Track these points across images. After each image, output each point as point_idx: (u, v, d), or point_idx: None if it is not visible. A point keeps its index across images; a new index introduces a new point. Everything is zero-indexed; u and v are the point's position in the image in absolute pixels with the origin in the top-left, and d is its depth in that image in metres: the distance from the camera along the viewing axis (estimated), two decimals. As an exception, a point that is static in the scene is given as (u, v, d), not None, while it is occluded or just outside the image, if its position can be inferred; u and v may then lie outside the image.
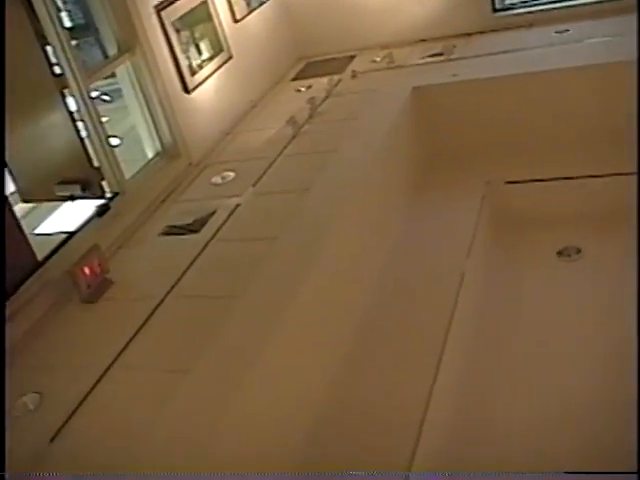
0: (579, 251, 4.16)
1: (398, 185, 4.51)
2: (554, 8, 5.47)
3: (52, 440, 2.54)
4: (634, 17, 4.85)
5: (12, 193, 3.87)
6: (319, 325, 3.20)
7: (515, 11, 5.64)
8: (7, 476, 2.28)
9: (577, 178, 4.39)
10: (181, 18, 4.64)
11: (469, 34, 5.65)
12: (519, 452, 3.00)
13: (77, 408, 2.67)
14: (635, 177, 3.80)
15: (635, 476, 2.49)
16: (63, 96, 3.80)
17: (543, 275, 4.10)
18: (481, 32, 5.62)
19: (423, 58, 5.46)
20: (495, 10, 5.62)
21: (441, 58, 5.36)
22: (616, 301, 3.65)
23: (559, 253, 4.19)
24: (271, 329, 2.85)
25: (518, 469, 2.85)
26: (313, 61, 6.05)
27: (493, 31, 5.59)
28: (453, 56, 5.32)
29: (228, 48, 5.12)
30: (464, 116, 4.84)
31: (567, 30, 5.15)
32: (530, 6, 5.61)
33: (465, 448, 3.01)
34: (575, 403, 3.16)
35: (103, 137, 3.93)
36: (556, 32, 5.18)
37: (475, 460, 2.95)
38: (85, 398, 2.72)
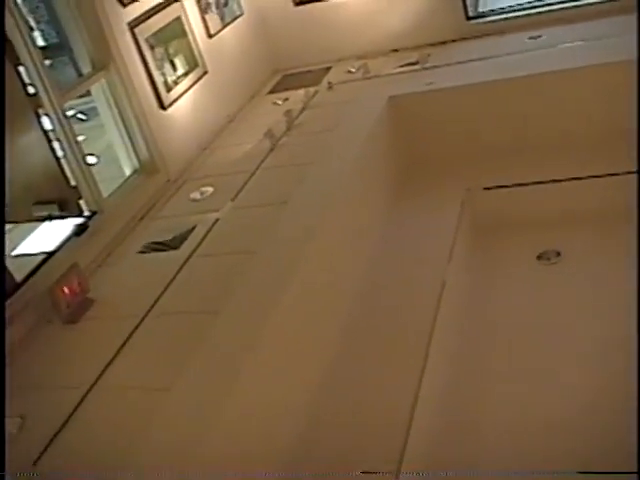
0: (558, 254, 4.18)
1: (377, 194, 4.52)
2: (526, 15, 5.53)
3: (35, 463, 2.52)
4: (606, 21, 4.94)
5: (-11, 214, 3.83)
6: (302, 334, 3.20)
7: (488, 18, 5.69)
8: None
9: (555, 182, 4.43)
10: (155, 34, 4.64)
11: (443, 42, 5.69)
12: (505, 452, 3.01)
13: (60, 429, 2.65)
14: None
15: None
16: (38, 116, 3.77)
17: (524, 279, 4.11)
18: (455, 40, 5.67)
19: (398, 67, 5.48)
20: (468, 18, 5.67)
21: (416, 67, 5.39)
22: (597, 302, 3.68)
23: (539, 257, 4.21)
24: (254, 341, 2.84)
25: (505, 469, 2.87)
26: (289, 74, 6.06)
27: (467, 39, 5.64)
28: (428, 65, 5.36)
29: (203, 63, 5.12)
30: (441, 124, 4.87)
31: (540, 36, 5.21)
32: (503, 13, 5.66)
33: (451, 450, 3.03)
34: (559, 405, 3.16)
35: (79, 156, 3.91)
36: (529, 38, 5.23)
37: (462, 461, 2.97)
38: (68, 419, 2.69)
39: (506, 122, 4.74)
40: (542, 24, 5.34)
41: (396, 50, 5.81)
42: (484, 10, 5.82)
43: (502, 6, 5.75)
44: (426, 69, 5.31)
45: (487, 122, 4.78)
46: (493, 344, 3.64)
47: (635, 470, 2.47)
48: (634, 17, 4.33)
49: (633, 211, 3.75)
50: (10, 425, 2.71)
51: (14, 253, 4.13)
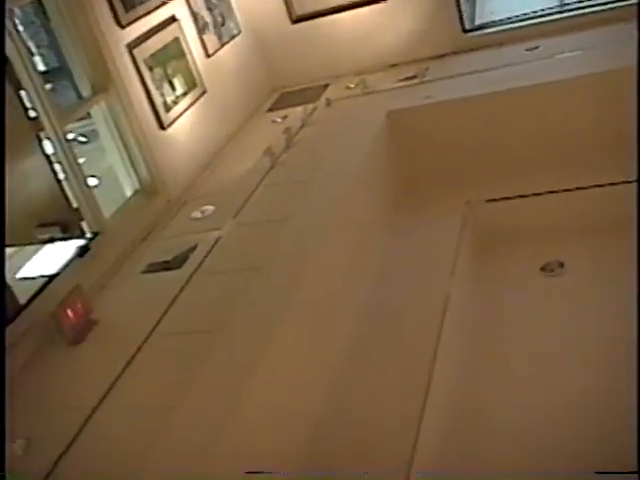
0: (562, 265, 4.17)
1: (378, 209, 4.52)
2: (523, 26, 5.53)
3: (41, 486, 2.51)
4: (604, 29, 4.95)
5: (-9, 238, 3.85)
6: (306, 350, 3.20)
7: (485, 31, 5.70)
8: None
9: (557, 192, 4.43)
10: (153, 55, 4.66)
11: (441, 56, 5.69)
12: (509, 456, 3.05)
13: (66, 450, 2.65)
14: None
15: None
16: (39, 139, 3.80)
17: (527, 291, 4.10)
18: (453, 53, 5.67)
19: (397, 82, 5.49)
20: (465, 31, 5.68)
21: (414, 81, 5.40)
22: (601, 313, 3.67)
23: (542, 268, 4.20)
24: (258, 358, 2.86)
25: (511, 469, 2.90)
26: (287, 91, 6.07)
27: (465, 52, 5.64)
28: (426, 78, 5.36)
29: (202, 83, 5.14)
30: (440, 137, 4.88)
31: (537, 47, 5.21)
32: (500, 25, 5.68)
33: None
34: (562, 411, 3.17)
35: (81, 178, 3.93)
36: (527, 49, 5.23)
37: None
38: (74, 440, 2.69)
39: (506, 134, 4.75)
40: (539, 35, 5.34)
41: (394, 65, 5.81)
42: (480, 22, 5.83)
43: (498, 18, 5.76)
44: (424, 83, 5.32)
45: (487, 134, 4.79)
46: (498, 356, 3.63)
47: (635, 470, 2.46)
48: (632, 25, 4.34)
49: (633, 220, 3.74)
50: (16, 448, 2.72)
51: (18, 276, 4.15)
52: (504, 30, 5.62)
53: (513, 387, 3.41)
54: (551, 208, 4.43)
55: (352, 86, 5.67)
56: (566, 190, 4.40)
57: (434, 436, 3.03)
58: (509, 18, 5.67)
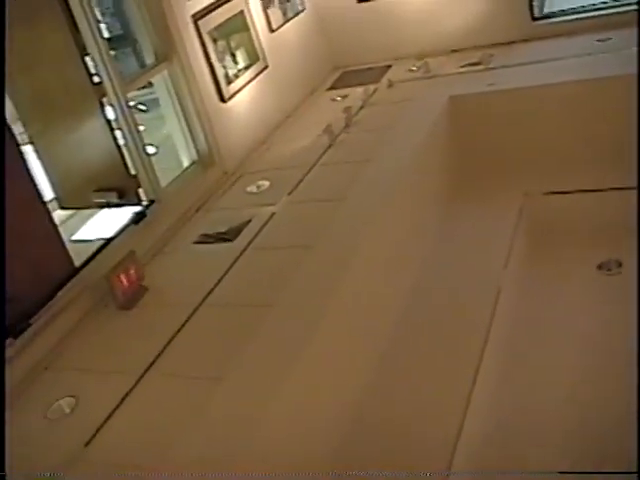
0: (620, 264, 4.07)
1: (433, 195, 4.47)
2: (595, 16, 5.39)
3: (87, 444, 2.54)
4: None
5: (51, 200, 3.91)
6: (354, 332, 3.19)
7: (555, 19, 5.56)
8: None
9: (619, 189, 4.31)
10: (218, 28, 4.67)
11: (508, 43, 5.58)
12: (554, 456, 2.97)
13: (113, 412, 2.68)
14: None
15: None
16: (102, 105, 3.84)
17: (583, 289, 4.01)
18: (520, 41, 5.56)
19: (460, 67, 5.41)
20: (534, 19, 5.55)
21: (478, 67, 5.31)
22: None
23: (599, 267, 4.10)
24: (306, 336, 2.84)
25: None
26: (349, 70, 6.04)
27: (532, 40, 5.52)
28: (491, 65, 5.27)
29: (264, 57, 5.13)
30: (501, 125, 4.79)
31: (609, 38, 5.06)
32: (570, 14, 5.54)
33: (500, 454, 3.00)
34: (610, 415, 3.09)
35: (140, 145, 3.96)
36: (598, 40, 5.09)
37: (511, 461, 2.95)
38: (121, 402, 2.72)
39: (569, 126, 4.63)
40: (611, 26, 5.18)
41: (458, 50, 5.73)
42: (550, 11, 5.70)
43: (570, 7, 5.62)
44: (488, 70, 5.23)
45: (549, 125, 4.68)
46: (548, 354, 3.57)
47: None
48: None
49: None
50: (64, 404, 2.76)
51: (73, 238, 4.22)
52: (574, 19, 5.48)
53: (561, 387, 3.34)
54: (613, 205, 4.30)
55: (414, 69, 5.61)
56: (629, 188, 4.28)
57: (476, 435, 2.99)
58: (582, 6, 5.51)
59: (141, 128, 4.12)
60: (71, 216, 4.68)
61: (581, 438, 3.04)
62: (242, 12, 4.95)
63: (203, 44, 4.53)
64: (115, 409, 2.69)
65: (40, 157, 3.94)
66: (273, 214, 3.92)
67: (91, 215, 4.64)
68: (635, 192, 4.09)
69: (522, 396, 3.33)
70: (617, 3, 5.34)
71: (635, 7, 5.11)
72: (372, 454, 2.83)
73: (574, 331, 3.69)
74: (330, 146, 4.61)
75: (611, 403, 3.14)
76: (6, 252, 2.94)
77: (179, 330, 3.10)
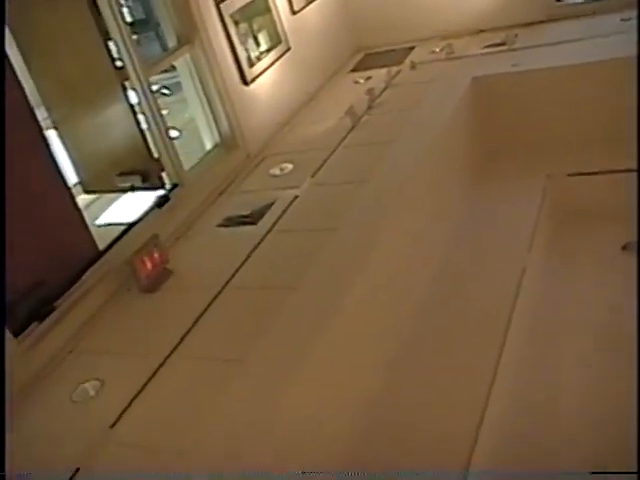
0: (645, 246, 4.03)
1: (456, 177, 4.45)
2: (619, -5, 5.31)
3: (112, 426, 2.57)
4: None
5: (75, 184, 3.94)
6: (375, 317, 3.18)
7: (579, -1, 5.49)
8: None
9: (643, 170, 4.26)
10: (240, 10, 4.65)
11: (531, 23, 5.52)
12: (577, 452, 2.93)
13: (137, 395, 2.70)
14: None
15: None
16: (124, 89, 3.85)
17: (608, 270, 3.97)
18: (544, 21, 5.50)
19: (484, 48, 5.37)
20: (559, -1, 5.49)
21: (502, 48, 5.26)
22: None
23: (624, 247, 4.06)
24: (329, 319, 2.84)
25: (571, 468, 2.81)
26: (372, 52, 6.01)
27: (557, 20, 5.46)
28: (515, 46, 5.22)
29: (286, 40, 5.11)
30: (525, 107, 4.76)
31: (631, 18, 4.98)
32: (595, -7, 5.46)
33: (523, 447, 2.96)
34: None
35: (163, 129, 3.97)
36: (622, 20, 5.02)
37: (533, 459, 2.90)
38: (145, 385, 2.74)
39: (594, 107, 4.58)
40: (635, 5, 5.09)
41: (482, 30, 5.68)
42: (575, -10, 5.62)
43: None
44: (513, 50, 5.17)
45: (574, 106, 4.64)
46: (573, 337, 3.55)
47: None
48: None
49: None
50: (89, 387, 2.79)
51: (97, 222, 4.25)
52: (599, -1, 5.40)
53: (585, 371, 3.32)
54: (635, 186, 4.26)
55: (437, 50, 5.58)
56: (655, 168, 4.23)
57: (496, 430, 2.93)
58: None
59: (164, 112, 4.13)
60: (95, 200, 4.71)
61: (604, 434, 2.97)
62: (264, -6, 4.93)
63: (225, 27, 4.51)
64: (140, 392, 2.71)
65: (64, 142, 3.96)
66: (296, 197, 3.92)
67: (115, 199, 4.68)
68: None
69: (545, 383, 3.30)
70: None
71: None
72: (388, 447, 2.82)
73: (600, 312, 3.66)
74: (353, 128, 4.59)
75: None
76: (31, 236, 2.97)
77: (203, 313, 3.11)
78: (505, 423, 3.02)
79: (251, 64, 4.72)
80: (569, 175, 4.49)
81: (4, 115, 2.95)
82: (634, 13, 4.99)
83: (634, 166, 4.24)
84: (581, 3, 5.47)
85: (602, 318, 3.62)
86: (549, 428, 3.06)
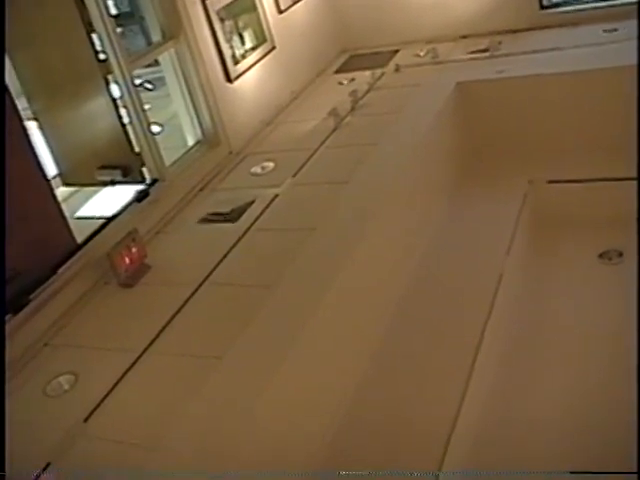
0: (621, 254, 4.07)
1: (438, 180, 4.46)
2: (602, 7, 5.35)
3: (86, 420, 2.56)
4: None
5: (54, 177, 3.90)
6: (353, 317, 3.19)
7: (563, 8, 5.53)
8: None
9: (621, 180, 4.29)
10: (226, 7, 4.64)
11: (515, 31, 5.55)
12: (552, 453, 2.95)
13: (112, 389, 2.69)
14: None
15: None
16: (107, 82, 3.83)
17: (583, 277, 4.01)
18: (528, 29, 5.53)
19: (468, 54, 5.39)
20: (542, 7, 5.53)
21: (486, 54, 5.29)
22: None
23: (600, 256, 4.10)
24: (306, 319, 2.85)
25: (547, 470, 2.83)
26: (356, 54, 6.01)
27: (540, 28, 5.49)
28: (498, 52, 5.25)
29: (272, 38, 5.11)
30: (508, 113, 4.78)
31: (615, 29, 5.04)
32: (578, 4, 5.50)
33: (496, 449, 2.98)
34: (610, 407, 3.08)
35: (145, 124, 3.95)
36: (604, 31, 5.07)
37: (504, 460, 2.92)
38: (120, 380, 2.73)
39: (575, 115, 4.61)
40: (618, 17, 5.15)
41: (466, 36, 5.71)
42: (558, 0, 5.66)
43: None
44: (496, 57, 5.20)
45: (555, 114, 4.67)
46: (548, 342, 3.57)
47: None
48: None
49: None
50: (63, 381, 2.77)
51: (76, 215, 4.22)
52: (582, 9, 5.44)
53: (558, 376, 3.34)
54: (616, 195, 4.28)
55: (422, 54, 5.60)
56: (631, 178, 4.26)
57: (469, 432, 2.96)
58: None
59: (147, 106, 4.11)
60: (74, 193, 4.67)
61: (581, 433, 3.01)
62: (251, -8, 4.92)
63: (210, 23, 4.50)
64: (114, 386, 2.70)
65: (44, 133, 3.93)
66: (276, 196, 3.92)
67: (94, 192, 4.64)
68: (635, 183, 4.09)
69: (520, 387, 3.32)
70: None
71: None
72: (364, 447, 2.83)
73: (574, 319, 3.69)
74: (335, 129, 4.60)
75: (612, 394, 3.12)
76: (7, 227, 2.94)
77: (180, 309, 3.10)
78: (479, 426, 3.03)
79: (236, 62, 4.70)
80: (549, 182, 4.52)
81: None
82: (617, 25, 5.06)
83: (613, 175, 4.29)
84: (565, 12, 5.50)
85: (577, 325, 3.65)
86: (524, 432, 3.07)
